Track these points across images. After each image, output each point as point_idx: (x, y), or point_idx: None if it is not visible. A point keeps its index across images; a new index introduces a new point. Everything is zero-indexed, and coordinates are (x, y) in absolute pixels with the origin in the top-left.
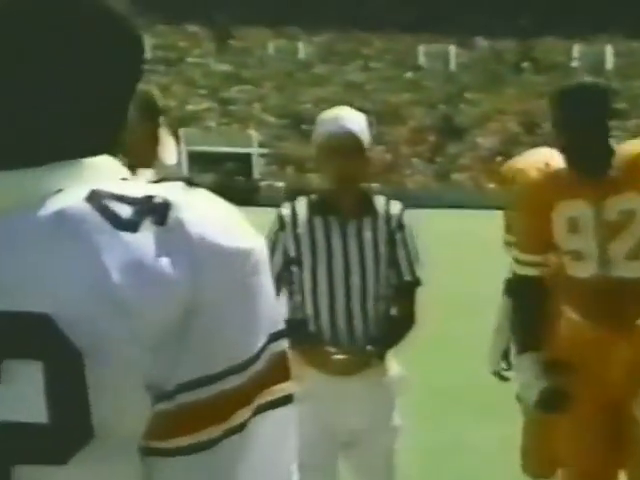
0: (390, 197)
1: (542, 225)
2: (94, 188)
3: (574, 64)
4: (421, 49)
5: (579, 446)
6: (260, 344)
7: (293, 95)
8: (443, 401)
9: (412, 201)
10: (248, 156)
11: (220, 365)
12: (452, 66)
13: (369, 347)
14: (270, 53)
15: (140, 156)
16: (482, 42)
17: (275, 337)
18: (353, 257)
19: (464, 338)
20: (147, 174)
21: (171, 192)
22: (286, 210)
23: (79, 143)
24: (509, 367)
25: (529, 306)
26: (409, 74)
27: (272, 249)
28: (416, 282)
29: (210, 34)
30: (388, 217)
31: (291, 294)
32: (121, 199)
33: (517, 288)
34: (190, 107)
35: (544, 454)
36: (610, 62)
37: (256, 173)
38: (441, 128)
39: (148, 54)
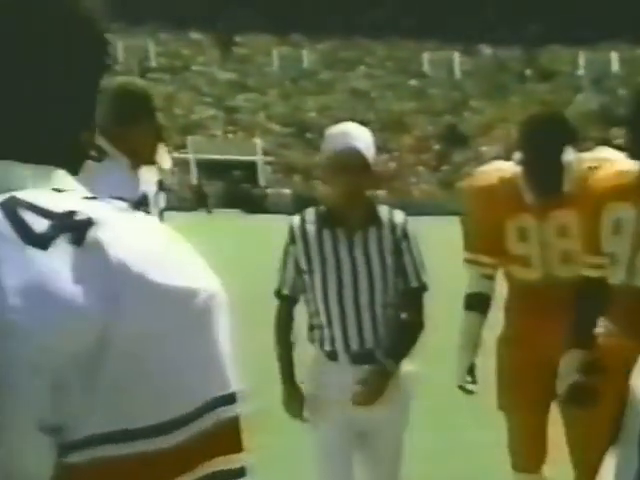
0: (395, 205)
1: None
2: (14, 194)
3: (579, 72)
4: (425, 57)
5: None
6: (199, 403)
7: (297, 103)
8: (443, 402)
9: (417, 209)
10: (253, 164)
11: (141, 419)
12: (456, 74)
13: (389, 361)
14: (274, 61)
15: (140, 154)
16: (486, 50)
17: (225, 401)
18: (361, 267)
19: None
20: (150, 172)
21: (102, 210)
22: (296, 222)
23: (32, 144)
24: (474, 381)
25: (594, 306)
26: (413, 81)
27: (284, 261)
28: (422, 287)
29: (214, 42)
30: (393, 226)
31: (307, 302)
32: (39, 211)
33: (586, 288)
34: (195, 115)
35: (530, 449)
36: (615, 69)
37: (262, 181)
38: (445, 136)
39: (152, 62)
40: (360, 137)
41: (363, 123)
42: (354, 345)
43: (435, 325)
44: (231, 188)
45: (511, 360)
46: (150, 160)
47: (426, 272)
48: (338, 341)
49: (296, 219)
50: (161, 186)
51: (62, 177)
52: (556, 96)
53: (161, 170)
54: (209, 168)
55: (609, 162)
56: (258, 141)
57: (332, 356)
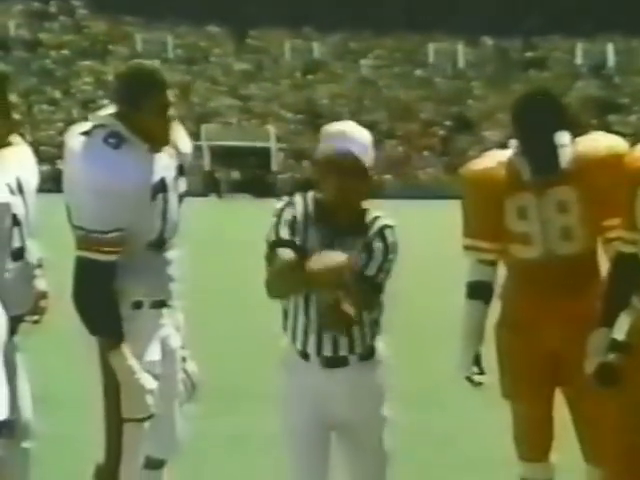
0: (402, 189)
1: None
2: None
3: (577, 61)
4: (431, 48)
5: (627, 422)
6: None
7: (309, 92)
8: (450, 385)
9: (423, 192)
10: (267, 150)
11: None
12: (460, 64)
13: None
14: (286, 52)
15: (154, 137)
16: (488, 41)
17: None
18: None
19: None
20: (170, 157)
21: None
22: (298, 198)
23: None
24: (481, 372)
25: (625, 284)
26: (419, 71)
27: (279, 219)
28: (374, 278)
29: (229, 34)
30: (376, 232)
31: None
32: None
33: (621, 264)
34: (212, 104)
35: (535, 438)
36: (612, 59)
37: (275, 166)
38: (450, 123)
39: (170, 54)
40: (358, 140)
41: (371, 110)
42: (327, 351)
43: (442, 308)
44: (245, 174)
45: (512, 346)
46: (165, 142)
47: (385, 278)
48: (310, 345)
49: (297, 196)
50: (181, 171)
51: None
52: (555, 83)
53: (181, 154)
54: (223, 155)
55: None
56: (271, 128)
57: (303, 356)
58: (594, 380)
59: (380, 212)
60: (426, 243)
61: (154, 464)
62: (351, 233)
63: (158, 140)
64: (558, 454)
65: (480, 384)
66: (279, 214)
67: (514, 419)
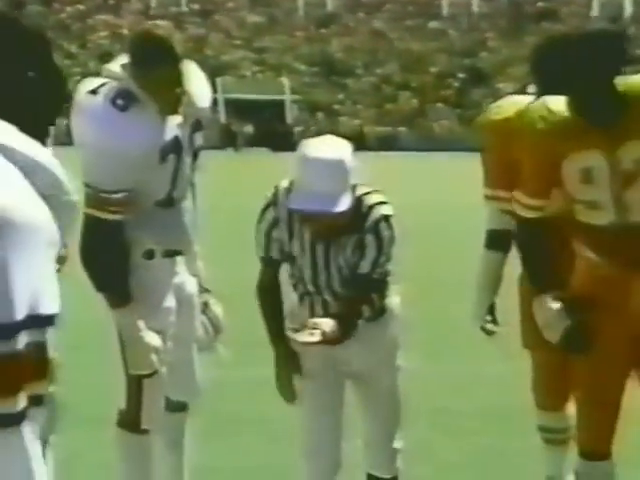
0: (416, 141)
1: (550, 174)
2: None
3: (593, 13)
4: (444, 0)
5: (598, 377)
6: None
7: (322, 44)
8: (462, 335)
9: (438, 145)
10: (281, 103)
11: None
12: (474, 16)
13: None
14: (300, 4)
15: (165, 98)
16: None
17: (38, 322)
18: (334, 269)
19: None
20: (176, 119)
21: None
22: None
23: None
24: (495, 321)
25: (542, 247)
26: (433, 23)
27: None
28: (370, 275)
29: None
30: (370, 225)
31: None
32: None
33: (526, 231)
34: (226, 57)
35: (554, 388)
36: (628, 10)
37: (289, 119)
38: (464, 75)
39: (184, 7)
40: (334, 187)
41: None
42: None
43: (456, 261)
44: (259, 127)
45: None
46: (170, 112)
47: (384, 267)
48: (317, 310)
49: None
50: (198, 126)
51: None
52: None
53: (199, 109)
54: (238, 108)
55: None
56: (286, 81)
57: (311, 316)
58: (564, 347)
59: (378, 196)
60: (441, 195)
61: (176, 407)
62: (344, 231)
63: (168, 103)
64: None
65: (493, 333)
66: (260, 219)
67: (534, 369)
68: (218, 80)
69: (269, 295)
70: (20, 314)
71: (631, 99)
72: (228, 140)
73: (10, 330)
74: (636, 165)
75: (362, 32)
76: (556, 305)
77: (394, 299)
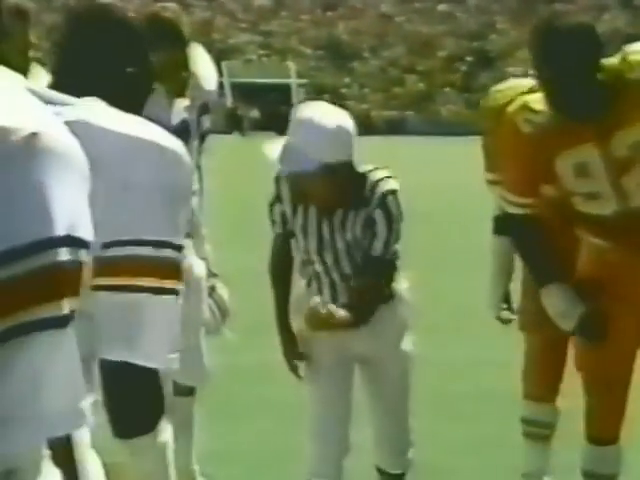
0: (424, 125)
1: (541, 174)
2: None
3: None
4: None
5: (607, 361)
6: (14, 243)
7: (329, 28)
8: (460, 318)
9: (445, 129)
10: (287, 86)
11: None
12: None
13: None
14: None
15: (170, 81)
16: None
17: (78, 243)
18: (340, 246)
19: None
20: (183, 103)
21: None
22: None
23: None
24: (510, 309)
25: (537, 239)
26: (442, 6)
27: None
28: (383, 256)
29: None
30: (376, 200)
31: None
32: None
33: (517, 225)
34: (232, 40)
35: (545, 376)
36: None
37: (295, 103)
38: (472, 58)
39: None
40: (326, 147)
41: (391, 46)
42: (343, 299)
43: (463, 246)
44: (265, 111)
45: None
46: (182, 87)
47: (394, 246)
48: (325, 295)
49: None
50: (205, 109)
51: None
52: (582, 17)
53: (206, 92)
54: (244, 92)
55: None
56: (292, 64)
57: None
58: (581, 334)
59: (383, 172)
60: (448, 179)
61: (183, 391)
62: (352, 207)
63: (174, 85)
64: (565, 400)
65: (509, 322)
66: (271, 204)
67: (527, 353)
68: (224, 64)
69: (278, 269)
70: (60, 231)
71: (615, 87)
72: (234, 124)
73: (52, 243)
74: (630, 151)
75: (369, 15)
76: (569, 292)
77: (402, 283)
